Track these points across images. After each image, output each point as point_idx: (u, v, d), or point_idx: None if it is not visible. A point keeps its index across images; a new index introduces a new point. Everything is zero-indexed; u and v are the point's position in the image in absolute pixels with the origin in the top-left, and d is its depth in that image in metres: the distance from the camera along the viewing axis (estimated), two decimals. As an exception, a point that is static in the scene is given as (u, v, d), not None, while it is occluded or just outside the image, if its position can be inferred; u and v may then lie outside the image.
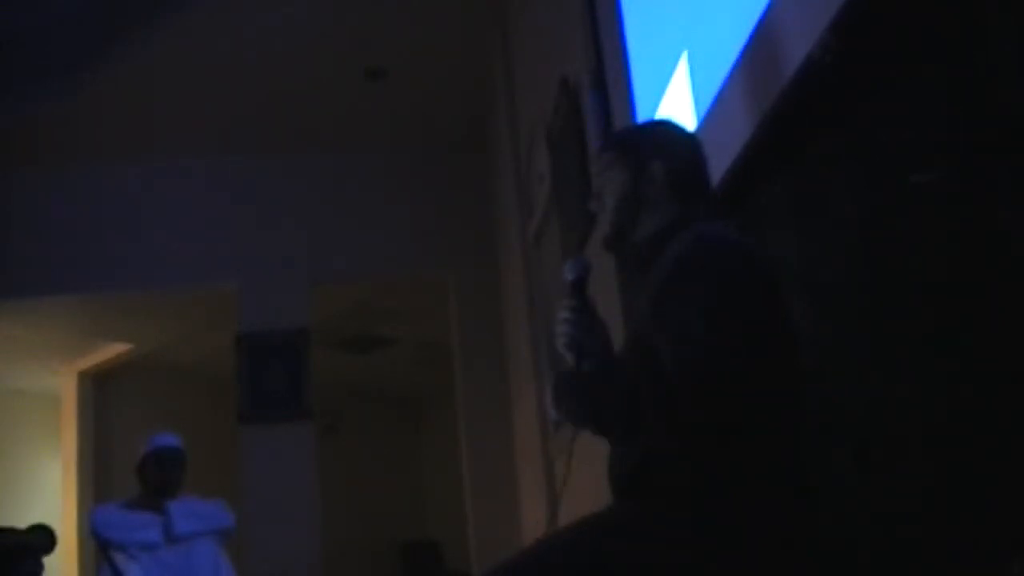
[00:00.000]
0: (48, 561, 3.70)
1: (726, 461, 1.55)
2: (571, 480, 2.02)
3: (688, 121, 2.46)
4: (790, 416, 1.62)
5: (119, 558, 3.94)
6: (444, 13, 5.18)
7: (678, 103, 2.53)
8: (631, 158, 1.83)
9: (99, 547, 4.06)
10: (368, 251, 6.36)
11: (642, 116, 2.84)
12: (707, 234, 1.68)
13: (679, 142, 1.88)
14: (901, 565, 1.76)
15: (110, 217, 6.23)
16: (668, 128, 1.96)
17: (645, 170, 1.81)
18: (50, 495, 7.72)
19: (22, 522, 3.80)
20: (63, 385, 7.89)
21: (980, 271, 1.55)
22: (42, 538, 3.71)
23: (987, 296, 1.54)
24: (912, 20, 1.64)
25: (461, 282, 6.34)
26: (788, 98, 1.90)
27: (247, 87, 5.67)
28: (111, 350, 7.67)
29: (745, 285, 1.61)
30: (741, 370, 1.52)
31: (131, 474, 4.25)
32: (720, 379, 1.51)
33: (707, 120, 2.36)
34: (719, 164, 2.20)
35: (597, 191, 1.89)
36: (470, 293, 6.28)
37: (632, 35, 2.99)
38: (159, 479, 4.14)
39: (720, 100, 2.27)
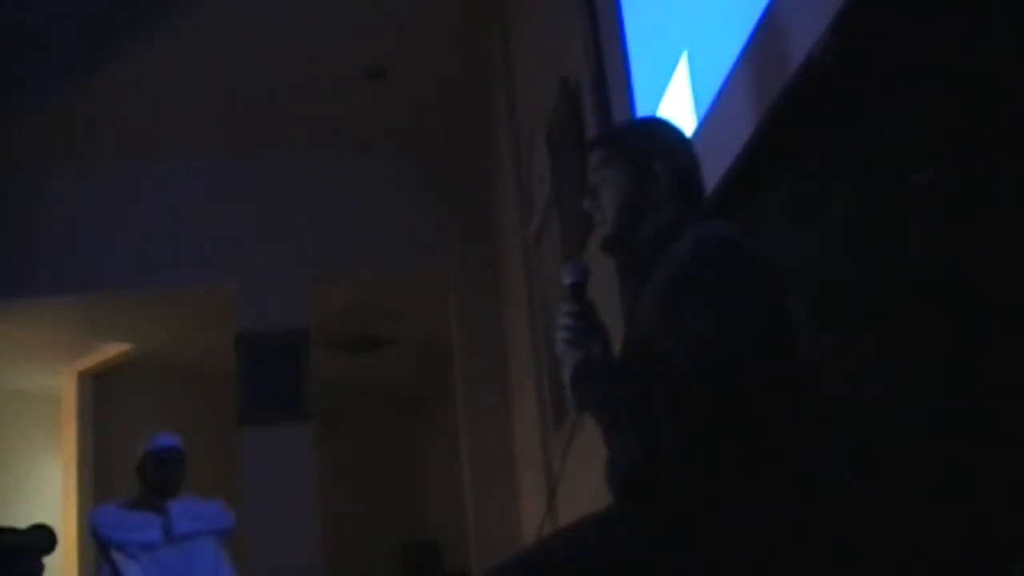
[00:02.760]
0: (48, 561, 3.70)
1: (727, 462, 1.54)
2: (568, 466, 2.01)
3: (688, 121, 2.46)
4: (791, 416, 1.62)
5: (119, 558, 3.94)
6: (444, 13, 5.18)
7: (678, 103, 2.53)
8: (633, 157, 1.81)
9: (99, 547, 4.06)
10: (368, 251, 6.36)
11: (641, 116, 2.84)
12: (709, 234, 1.68)
13: (678, 141, 1.87)
14: (901, 565, 1.76)
15: (110, 217, 6.23)
16: (665, 127, 1.95)
17: (649, 170, 1.79)
18: (50, 495, 7.71)
19: (22, 522, 3.79)
20: (63, 385, 7.89)
21: (980, 271, 1.55)
22: (42, 538, 3.71)
23: (987, 296, 1.53)
24: (912, 20, 1.64)
25: (461, 282, 6.34)
26: (788, 98, 1.90)
27: (247, 87, 5.67)
28: (111, 350, 7.67)
29: (750, 286, 1.61)
30: (752, 372, 1.52)
31: (131, 474, 4.25)
32: (733, 381, 1.50)
33: (707, 120, 2.36)
34: (719, 164, 2.20)
35: (592, 189, 1.85)
36: (470, 293, 6.28)
37: (632, 35, 2.99)
38: (159, 479, 4.14)
39: (720, 100, 2.27)
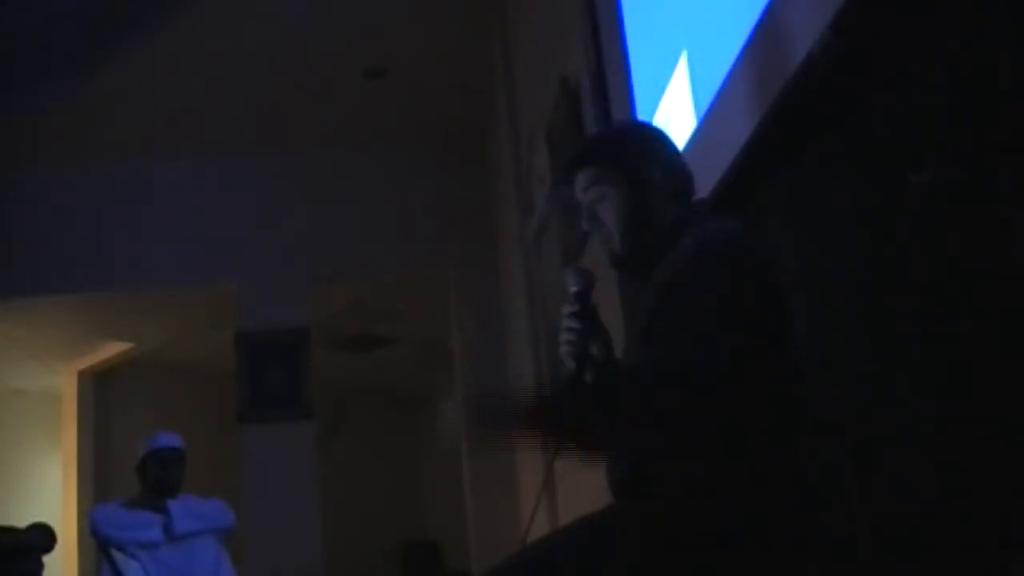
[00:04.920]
0: (48, 560, 3.71)
1: (725, 462, 1.54)
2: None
3: (688, 121, 2.46)
4: (789, 416, 1.62)
5: (119, 557, 3.94)
6: (444, 13, 5.18)
7: (678, 103, 2.53)
8: (626, 168, 1.79)
9: (99, 546, 4.06)
10: (368, 251, 6.36)
11: (642, 116, 2.84)
12: (711, 233, 1.67)
13: (661, 141, 1.87)
14: (901, 565, 1.76)
15: (110, 217, 6.23)
16: (645, 129, 1.94)
17: (645, 177, 1.78)
18: (50, 495, 7.72)
19: (22, 522, 3.80)
20: (63, 384, 7.89)
21: (980, 271, 1.55)
22: (41, 537, 3.71)
23: (987, 296, 1.53)
24: (912, 20, 1.64)
25: (461, 281, 6.34)
26: (788, 98, 1.90)
27: (247, 87, 5.67)
28: (111, 349, 7.68)
29: (741, 285, 1.60)
30: (730, 374, 1.52)
31: (131, 474, 4.25)
32: (705, 382, 1.51)
33: (707, 120, 2.36)
34: (719, 164, 2.20)
35: (589, 209, 1.82)
36: (470, 292, 6.28)
37: (632, 35, 2.99)
38: (159, 478, 4.14)
39: (720, 100, 2.27)
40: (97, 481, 7.59)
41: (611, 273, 2.80)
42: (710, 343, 1.54)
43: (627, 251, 1.79)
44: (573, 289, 1.79)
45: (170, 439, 4.22)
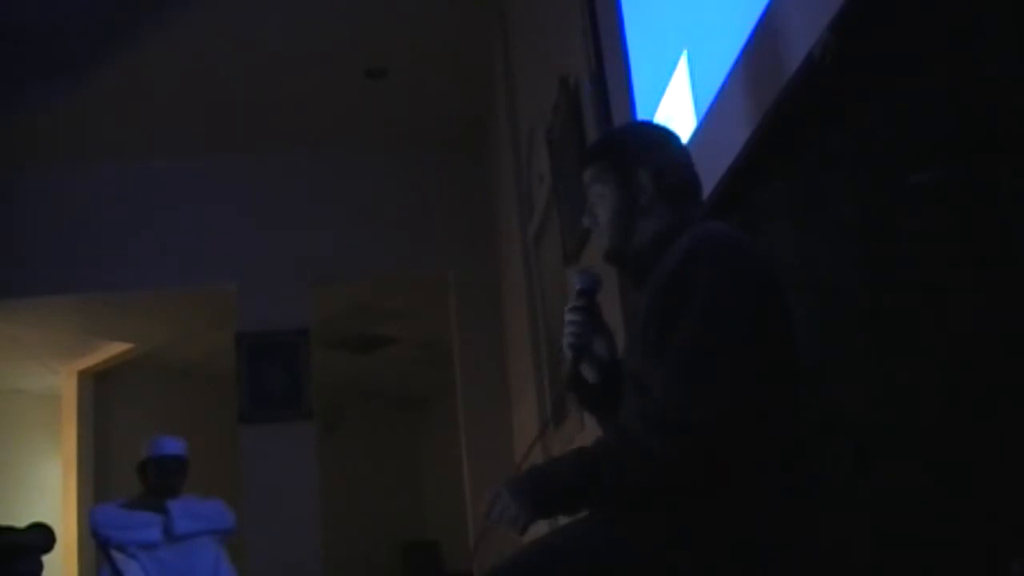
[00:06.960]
0: (48, 560, 3.71)
1: (725, 464, 1.54)
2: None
3: (688, 121, 2.46)
4: (789, 417, 1.62)
5: (119, 557, 3.94)
6: (444, 13, 5.18)
7: (678, 103, 2.53)
8: (617, 168, 1.80)
9: (99, 546, 4.06)
10: (368, 251, 6.36)
11: (642, 116, 2.84)
12: (705, 233, 1.67)
13: (662, 143, 1.86)
14: (901, 565, 1.76)
15: (110, 217, 6.23)
16: (649, 130, 1.95)
17: (633, 177, 1.79)
18: (50, 495, 7.72)
19: (22, 522, 3.80)
20: (63, 385, 7.89)
21: (980, 271, 1.55)
22: (41, 537, 3.71)
23: (987, 296, 1.53)
24: (912, 20, 1.63)
25: (461, 281, 6.35)
26: (788, 98, 1.90)
27: (247, 87, 5.67)
28: (111, 349, 7.68)
29: (740, 287, 1.60)
30: (731, 377, 1.53)
31: (131, 474, 4.26)
32: (712, 410, 1.52)
33: (707, 120, 2.36)
34: (719, 164, 2.20)
35: (589, 207, 1.85)
36: (470, 292, 6.28)
37: (632, 35, 2.99)
38: (160, 483, 4.14)
39: (720, 100, 2.27)
40: (97, 481, 7.59)
41: (612, 275, 2.80)
42: (711, 348, 1.54)
43: (615, 246, 1.81)
44: (577, 287, 1.81)
45: (174, 447, 4.21)
